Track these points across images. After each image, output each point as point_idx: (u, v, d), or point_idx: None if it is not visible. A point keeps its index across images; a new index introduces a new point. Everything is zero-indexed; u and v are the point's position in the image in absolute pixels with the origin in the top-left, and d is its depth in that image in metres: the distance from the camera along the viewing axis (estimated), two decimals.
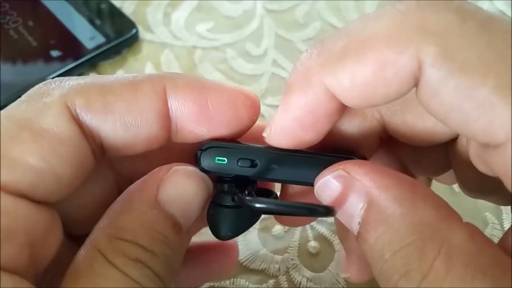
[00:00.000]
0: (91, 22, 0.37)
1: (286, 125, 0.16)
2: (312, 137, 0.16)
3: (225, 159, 0.17)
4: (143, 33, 0.38)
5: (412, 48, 0.13)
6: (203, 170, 0.17)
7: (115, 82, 0.17)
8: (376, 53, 0.13)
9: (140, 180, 0.17)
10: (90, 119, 0.16)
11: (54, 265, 0.16)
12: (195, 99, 0.17)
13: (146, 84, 0.17)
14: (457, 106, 0.13)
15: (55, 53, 0.35)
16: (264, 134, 0.17)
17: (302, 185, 0.18)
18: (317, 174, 0.16)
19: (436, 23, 0.13)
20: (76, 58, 0.35)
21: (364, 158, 0.18)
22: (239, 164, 0.17)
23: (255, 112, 0.18)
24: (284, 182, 0.18)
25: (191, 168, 0.17)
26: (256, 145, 0.17)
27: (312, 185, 0.17)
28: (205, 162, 0.17)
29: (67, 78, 0.17)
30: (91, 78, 0.17)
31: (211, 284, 0.26)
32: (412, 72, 0.13)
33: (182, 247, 0.17)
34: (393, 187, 0.14)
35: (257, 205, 0.15)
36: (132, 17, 0.38)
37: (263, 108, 0.34)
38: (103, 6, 0.38)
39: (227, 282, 0.26)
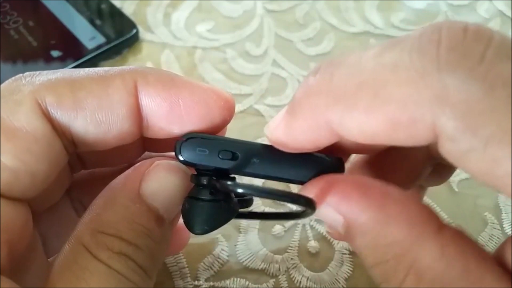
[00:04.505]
0: (92, 22, 0.37)
1: (285, 141, 0.16)
2: (307, 151, 0.16)
3: (206, 150, 0.17)
4: (143, 33, 0.38)
5: (429, 119, 0.12)
6: (182, 161, 0.17)
7: (86, 78, 0.17)
8: (389, 113, 0.13)
9: (122, 174, 0.17)
10: (60, 115, 0.16)
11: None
12: (166, 97, 0.17)
13: (117, 79, 0.17)
14: (481, 172, 0.12)
15: (55, 53, 0.35)
16: (265, 131, 0.17)
17: (280, 181, 0.17)
18: (297, 171, 0.17)
19: (458, 94, 0.11)
20: (77, 58, 0.35)
21: (340, 160, 0.18)
22: (220, 156, 0.17)
23: (229, 113, 0.18)
24: (263, 178, 0.18)
25: (173, 162, 0.17)
26: (238, 139, 0.17)
27: (289, 181, 0.17)
28: (185, 153, 0.17)
29: (38, 73, 0.17)
30: (62, 73, 0.17)
31: (211, 283, 0.26)
32: (426, 139, 0.12)
33: (165, 239, 0.17)
34: (367, 210, 0.15)
35: (238, 190, 0.15)
36: (132, 17, 0.38)
37: (263, 108, 0.34)
38: (104, 6, 0.38)
39: (227, 281, 0.26)
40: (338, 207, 0.15)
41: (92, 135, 0.17)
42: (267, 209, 0.29)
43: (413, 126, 0.12)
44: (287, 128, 0.16)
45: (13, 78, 0.17)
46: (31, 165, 0.15)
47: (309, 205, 0.15)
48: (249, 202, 0.20)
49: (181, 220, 0.18)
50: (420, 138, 0.12)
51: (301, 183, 0.17)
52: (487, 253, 0.14)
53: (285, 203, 0.21)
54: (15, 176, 0.15)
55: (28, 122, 0.15)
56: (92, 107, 0.16)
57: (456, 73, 0.11)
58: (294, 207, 0.28)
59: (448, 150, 0.12)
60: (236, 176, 0.18)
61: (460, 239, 0.14)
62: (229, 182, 0.16)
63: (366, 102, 0.13)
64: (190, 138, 0.17)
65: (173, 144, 0.17)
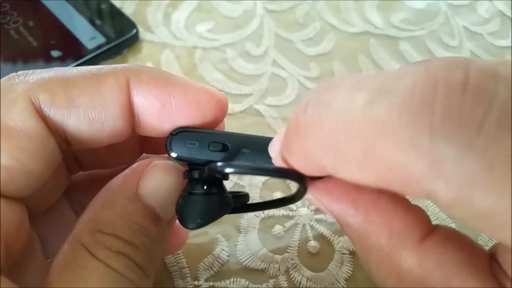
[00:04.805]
0: (92, 22, 0.37)
1: (286, 167, 0.16)
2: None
3: (196, 143, 0.17)
4: (143, 33, 0.38)
5: (421, 186, 0.11)
6: (174, 156, 0.17)
7: (79, 76, 0.17)
8: (380, 174, 0.12)
9: (120, 174, 0.17)
10: (54, 114, 0.16)
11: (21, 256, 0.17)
12: (158, 96, 0.17)
13: (110, 77, 0.17)
14: (478, 229, 0.11)
15: (55, 53, 0.35)
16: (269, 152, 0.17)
17: (270, 174, 0.18)
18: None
19: (452, 168, 0.10)
20: (77, 58, 0.35)
21: None
22: (210, 148, 0.17)
23: (221, 112, 0.18)
24: (254, 170, 0.18)
25: (170, 162, 0.18)
26: (227, 131, 0.17)
27: (279, 172, 0.17)
28: (176, 147, 0.17)
29: (31, 71, 0.17)
30: (55, 71, 0.17)
31: (211, 283, 0.26)
32: (420, 196, 0.12)
33: (163, 238, 0.18)
34: (353, 215, 0.15)
35: (228, 170, 0.15)
36: (132, 17, 0.38)
37: (263, 108, 0.34)
38: (104, 6, 0.38)
39: (227, 281, 0.26)
40: (328, 207, 0.16)
41: (85, 133, 0.17)
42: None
43: (405, 187, 0.12)
44: (286, 160, 0.15)
45: (6, 77, 0.17)
46: (26, 163, 0.15)
47: (300, 181, 0.15)
48: (245, 198, 0.20)
49: None
50: (414, 195, 0.12)
51: (291, 173, 0.17)
52: (480, 254, 0.14)
53: (283, 201, 0.22)
54: (11, 175, 0.15)
55: (22, 121, 0.15)
56: (85, 105, 0.16)
57: (451, 146, 0.10)
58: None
59: (443, 210, 0.12)
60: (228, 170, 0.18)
61: (446, 246, 0.14)
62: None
63: (356, 158, 0.12)
64: (180, 132, 0.17)
65: None
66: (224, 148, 0.17)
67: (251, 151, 0.17)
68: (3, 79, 0.17)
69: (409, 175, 0.11)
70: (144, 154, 0.22)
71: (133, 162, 0.19)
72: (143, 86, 0.17)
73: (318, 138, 0.13)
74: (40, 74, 0.17)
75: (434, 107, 0.10)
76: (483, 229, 0.11)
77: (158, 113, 0.17)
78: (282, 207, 0.29)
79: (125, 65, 0.18)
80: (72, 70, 0.17)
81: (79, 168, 0.21)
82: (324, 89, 0.13)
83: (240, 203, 0.20)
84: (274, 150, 0.16)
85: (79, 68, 0.17)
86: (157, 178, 0.17)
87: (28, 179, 0.16)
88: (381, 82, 0.12)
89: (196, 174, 0.17)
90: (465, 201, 0.11)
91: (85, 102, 0.16)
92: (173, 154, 0.17)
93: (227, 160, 0.17)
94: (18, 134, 0.15)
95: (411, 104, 0.11)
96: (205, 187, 0.17)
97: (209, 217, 0.17)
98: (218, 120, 0.18)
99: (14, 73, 0.17)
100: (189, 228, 0.17)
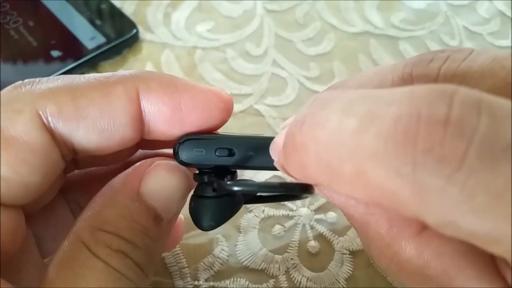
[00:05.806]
0: (92, 22, 0.37)
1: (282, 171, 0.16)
2: None
3: (203, 150, 0.17)
4: (143, 33, 0.38)
5: (412, 213, 0.12)
6: (182, 162, 0.17)
7: (87, 85, 0.17)
8: (371, 196, 0.12)
9: (122, 173, 0.17)
10: (62, 125, 0.16)
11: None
12: (168, 102, 0.17)
13: (119, 86, 0.17)
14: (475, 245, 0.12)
15: (55, 53, 0.35)
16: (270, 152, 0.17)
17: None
18: None
19: (435, 198, 0.11)
20: (77, 58, 0.35)
21: None
22: (217, 154, 0.17)
23: (228, 113, 0.18)
24: (261, 169, 0.18)
25: (172, 163, 0.18)
26: (232, 134, 0.18)
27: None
28: (184, 155, 0.17)
29: (38, 80, 0.17)
30: (62, 80, 0.17)
31: (211, 283, 0.26)
32: (411, 218, 0.12)
33: (163, 238, 0.18)
34: (354, 207, 0.15)
35: (235, 188, 0.15)
36: (132, 17, 0.38)
37: (263, 108, 0.34)
38: (104, 6, 0.38)
39: (227, 281, 0.26)
40: (331, 198, 0.16)
41: (93, 143, 0.17)
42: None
43: (395, 208, 0.12)
44: (285, 169, 0.15)
45: (12, 85, 0.16)
46: (25, 176, 0.15)
47: (306, 191, 0.16)
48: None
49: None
50: (405, 216, 0.13)
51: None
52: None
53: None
54: (7, 186, 0.15)
55: (26, 132, 0.15)
56: (94, 115, 0.16)
57: (433, 179, 0.11)
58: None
59: (433, 230, 0.12)
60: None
61: (445, 236, 0.14)
62: (228, 182, 0.16)
63: (349, 178, 0.12)
64: (186, 140, 0.17)
65: (166, 142, 0.18)
66: (231, 153, 0.17)
67: (257, 153, 0.17)
68: (9, 88, 0.16)
69: (397, 199, 0.11)
70: (139, 151, 0.22)
71: (129, 159, 0.19)
72: (152, 94, 0.17)
73: (313, 156, 0.13)
74: (47, 83, 0.16)
75: (417, 141, 0.11)
76: (475, 244, 0.11)
77: (168, 120, 0.17)
78: (282, 207, 0.29)
79: (132, 72, 0.18)
80: (79, 79, 0.17)
81: (74, 166, 0.21)
82: (318, 106, 0.13)
83: (250, 196, 0.20)
84: (274, 154, 0.16)
85: (87, 76, 0.17)
86: (159, 178, 0.17)
87: (26, 190, 0.16)
88: (370, 106, 0.12)
89: (206, 178, 0.18)
90: (451, 224, 0.11)
91: (94, 113, 0.16)
92: (182, 161, 0.17)
93: (235, 164, 0.17)
94: (20, 145, 0.15)
95: (395, 135, 0.11)
96: (214, 190, 0.17)
97: (221, 219, 0.18)
98: (225, 121, 0.19)
99: (21, 82, 0.17)
100: (203, 230, 0.18)
